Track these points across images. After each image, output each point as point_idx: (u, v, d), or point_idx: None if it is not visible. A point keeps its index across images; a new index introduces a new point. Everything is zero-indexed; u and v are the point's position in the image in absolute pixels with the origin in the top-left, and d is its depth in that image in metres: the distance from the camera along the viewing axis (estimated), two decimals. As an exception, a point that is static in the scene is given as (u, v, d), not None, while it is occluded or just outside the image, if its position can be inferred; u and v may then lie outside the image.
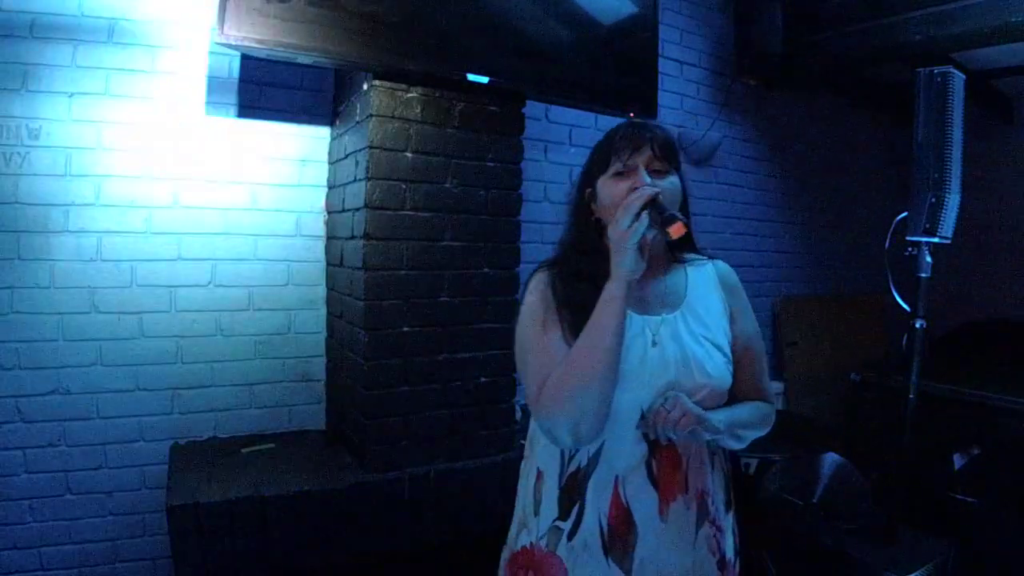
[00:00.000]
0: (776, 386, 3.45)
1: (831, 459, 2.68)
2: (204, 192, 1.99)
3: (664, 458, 1.03)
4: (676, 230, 0.95)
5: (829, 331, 3.80)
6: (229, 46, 1.59)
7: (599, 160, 1.08)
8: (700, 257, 1.17)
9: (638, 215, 0.95)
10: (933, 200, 2.07)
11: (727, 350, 1.08)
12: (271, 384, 2.11)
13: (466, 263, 1.93)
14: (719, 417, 1.02)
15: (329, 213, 2.14)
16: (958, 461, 2.78)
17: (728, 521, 1.13)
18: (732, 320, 1.12)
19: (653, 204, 0.97)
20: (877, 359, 3.91)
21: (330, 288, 2.14)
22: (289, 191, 2.11)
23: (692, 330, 1.07)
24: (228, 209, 2.02)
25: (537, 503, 1.09)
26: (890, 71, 3.58)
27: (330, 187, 2.14)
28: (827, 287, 3.94)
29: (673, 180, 1.06)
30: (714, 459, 1.10)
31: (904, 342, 2.22)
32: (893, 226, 2.22)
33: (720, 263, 1.18)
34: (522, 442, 2.07)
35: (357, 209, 1.83)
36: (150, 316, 1.93)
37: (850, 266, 4.08)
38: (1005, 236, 4.05)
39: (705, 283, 1.14)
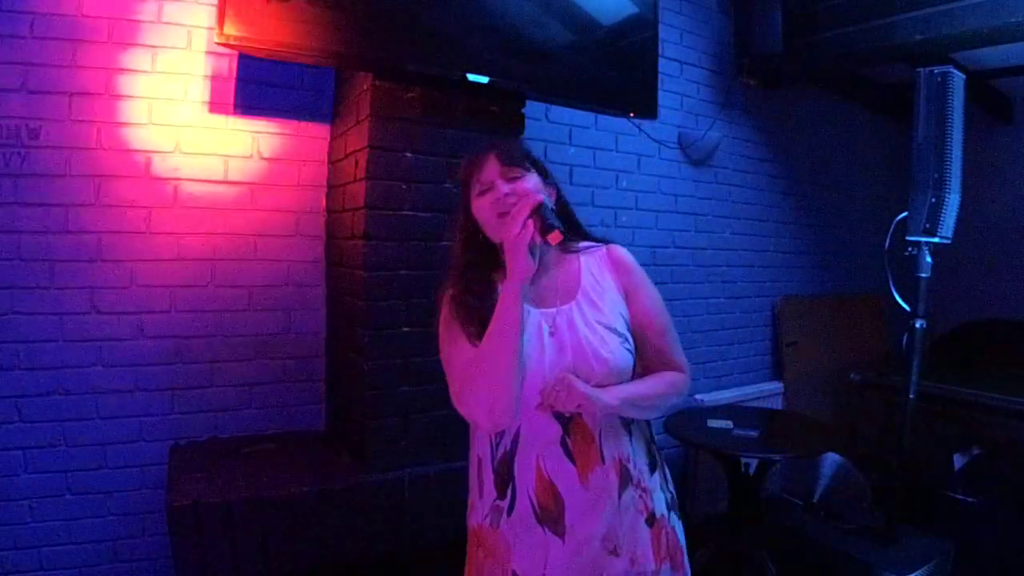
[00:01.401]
0: (776, 386, 3.47)
1: (831, 459, 2.69)
2: (204, 192, 1.98)
3: (577, 434, 1.13)
4: (553, 238, 1.06)
5: (829, 331, 3.80)
6: (229, 46, 1.59)
7: (463, 185, 1.20)
8: (595, 244, 1.26)
9: (525, 221, 1.05)
10: (933, 200, 2.07)
11: (623, 331, 1.17)
12: (271, 384, 2.11)
13: (466, 263, 1.92)
14: (612, 393, 1.10)
15: (329, 213, 2.14)
16: (958, 461, 2.79)
17: (655, 481, 1.22)
18: (628, 300, 1.21)
19: (537, 210, 1.06)
20: (877, 359, 3.91)
21: (330, 288, 2.14)
22: (289, 191, 2.11)
23: (586, 317, 1.16)
24: (228, 209, 2.02)
25: (480, 486, 1.21)
26: (890, 71, 3.59)
27: (330, 187, 2.14)
28: (827, 287, 3.94)
29: (530, 180, 1.16)
30: (631, 427, 1.19)
31: (904, 342, 2.22)
32: (893, 226, 2.22)
33: (614, 247, 1.26)
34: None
35: (357, 209, 1.83)
36: (150, 316, 1.93)
37: (850, 266, 4.08)
38: (1005, 236, 4.05)
39: (599, 269, 1.23)
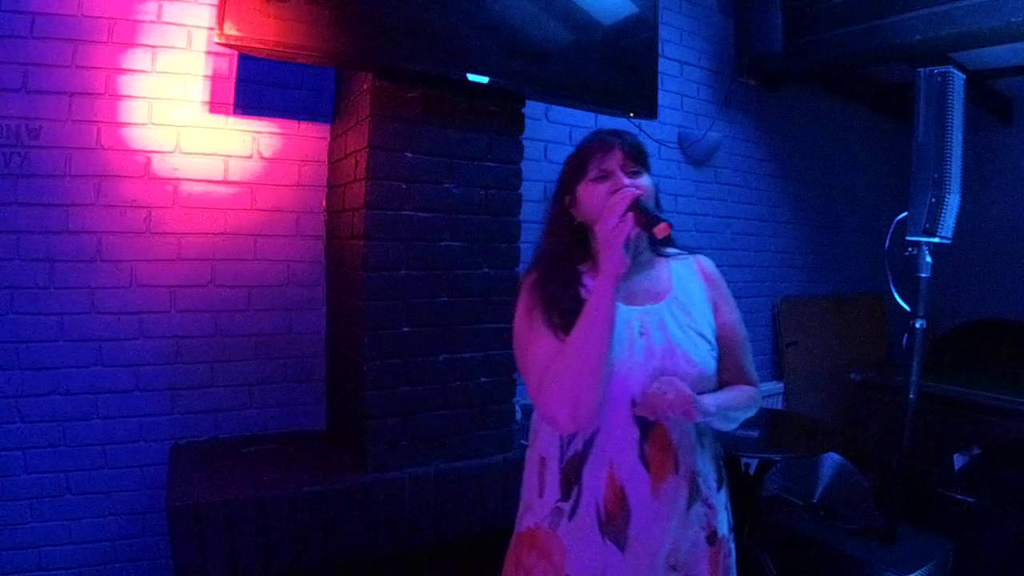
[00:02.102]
0: (776, 386, 3.47)
1: (831, 459, 2.69)
2: (204, 191, 1.98)
3: (655, 441, 1.09)
4: (661, 230, 1.01)
5: (829, 331, 3.80)
6: (229, 46, 1.59)
7: (576, 167, 1.16)
8: (682, 252, 1.26)
9: (624, 215, 1.03)
10: (933, 200, 2.07)
11: (711, 339, 1.16)
12: (271, 384, 2.11)
13: (466, 263, 1.93)
14: (708, 400, 1.07)
15: (329, 213, 2.14)
16: (958, 461, 2.79)
17: (720, 499, 1.19)
18: (715, 311, 1.21)
19: (636, 204, 1.04)
20: (877, 359, 3.91)
21: (330, 288, 2.14)
22: (289, 191, 2.11)
23: (678, 320, 1.14)
24: (228, 209, 2.02)
25: (541, 486, 1.17)
26: (890, 71, 3.59)
27: (330, 187, 2.14)
28: (827, 287, 3.94)
29: (646, 179, 1.14)
30: (703, 440, 1.16)
31: (904, 342, 2.22)
32: (893, 226, 2.22)
33: (702, 257, 1.26)
34: (523, 442, 2.08)
35: (357, 209, 1.83)
36: (150, 316, 1.93)
37: (850, 266, 4.08)
38: (1005, 236, 4.05)
39: (689, 276, 1.22)
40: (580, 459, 1.11)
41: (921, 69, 2.11)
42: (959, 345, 3.94)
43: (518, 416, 2.15)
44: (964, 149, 2.09)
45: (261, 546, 1.63)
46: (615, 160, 1.12)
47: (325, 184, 2.16)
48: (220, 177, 2.01)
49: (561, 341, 1.06)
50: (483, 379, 1.97)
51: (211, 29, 1.89)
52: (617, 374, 1.06)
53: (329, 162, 2.15)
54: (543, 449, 1.18)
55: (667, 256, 1.23)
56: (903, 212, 2.17)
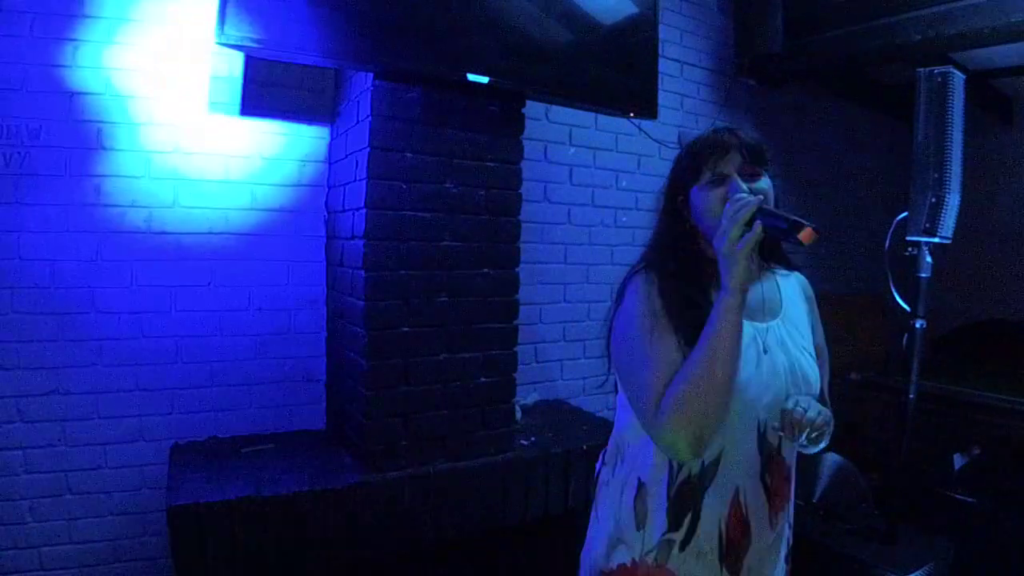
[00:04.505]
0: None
1: (831, 459, 2.68)
2: (204, 192, 1.98)
3: (775, 469, 1.04)
4: (807, 235, 0.90)
5: (829, 331, 3.79)
6: (229, 46, 1.59)
7: (689, 169, 1.07)
8: (782, 268, 1.20)
9: (749, 224, 0.93)
10: (933, 200, 2.07)
11: (816, 359, 1.12)
12: (271, 384, 2.11)
13: (466, 263, 1.93)
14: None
15: (329, 213, 2.14)
16: (958, 461, 2.78)
17: (792, 517, 1.16)
18: (812, 331, 1.16)
19: (761, 212, 0.94)
20: (877, 359, 3.91)
21: (330, 288, 2.14)
22: (289, 191, 2.11)
23: (793, 339, 1.09)
24: (228, 209, 2.02)
25: (640, 517, 1.06)
26: (890, 71, 3.59)
27: (330, 187, 2.14)
28: (827, 287, 3.93)
29: (766, 182, 1.05)
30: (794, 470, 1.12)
31: (904, 342, 2.22)
32: (893, 226, 2.22)
33: (800, 275, 1.21)
34: (523, 442, 2.08)
35: (357, 209, 1.83)
36: (150, 316, 1.93)
37: (850, 266, 4.08)
38: (1005, 236, 4.05)
39: (795, 294, 1.17)
40: (698, 484, 1.02)
41: (921, 69, 2.11)
42: (959, 345, 3.94)
43: (518, 416, 2.15)
44: (964, 149, 2.09)
45: (261, 546, 1.63)
46: (732, 163, 1.03)
47: (325, 184, 2.16)
48: (220, 177, 2.00)
49: (681, 354, 0.97)
50: (483, 379, 1.97)
51: (212, 29, 1.89)
52: (744, 395, 0.98)
53: (329, 162, 2.15)
54: (644, 473, 1.06)
55: (774, 271, 1.17)
56: (903, 212, 2.17)
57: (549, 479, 2.04)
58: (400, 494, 1.80)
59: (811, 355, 1.10)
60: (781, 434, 1.00)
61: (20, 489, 1.80)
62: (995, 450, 2.80)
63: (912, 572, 2.06)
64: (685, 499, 1.03)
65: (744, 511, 1.02)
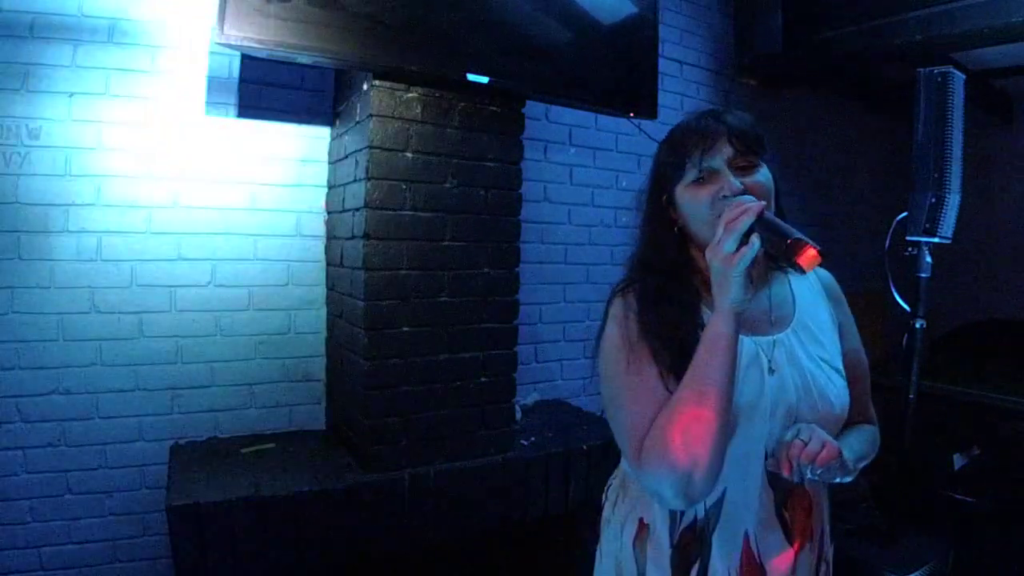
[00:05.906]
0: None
1: (831, 459, 2.67)
2: (204, 192, 1.98)
3: (797, 503, 0.91)
4: (808, 260, 0.74)
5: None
6: (229, 46, 1.59)
7: (671, 164, 0.92)
8: None
9: (746, 237, 0.78)
10: (933, 200, 2.07)
11: (842, 370, 0.95)
12: (271, 384, 2.11)
13: (466, 263, 1.93)
14: (848, 454, 0.87)
15: (329, 213, 2.14)
16: (958, 461, 2.78)
17: (831, 551, 1.02)
18: (841, 334, 1.00)
19: (761, 222, 0.79)
20: (877, 359, 3.91)
21: (330, 288, 2.14)
22: (289, 191, 2.11)
23: (808, 350, 0.93)
24: (228, 209, 2.02)
25: (641, 564, 0.95)
26: (890, 71, 3.59)
27: (330, 187, 2.14)
28: (827, 287, 3.93)
29: (763, 174, 0.90)
30: (825, 494, 0.99)
31: (904, 342, 2.22)
32: (893, 226, 2.22)
33: (820, 269, 1.03)
34: (523, 442, 2.09)
35: (357, 209, 1.83)
36: (150, 316, 1.93)
37: (850, 266, 4.08)
38: (1005, 236, 4.05)
39: (811, 293, 1.01)
40: (702, 529, 0.91)
41: (921, 69, 2.11)
42: (959, 345, 3.94)
43: (518, 416, 2.15)
44: (964, 149, 2.09)
45: (261, 546, 1.63)
46: (721, 154, 0.87)
47: (325, 184, 2.16)
48: (220, 177, 2.00)
49: (663, 384, 0.85)
50: (483, 379, 1.97)
51: (211, 29, 1.89)
52: (747, 424, 0.85)
53: (329, 162, 2.15)
54: (644, 512, 0.95)
55: (784, 270, 1.00)
56: (903, 212, 2.17)
57: (549, 479, 2.04)
58: (400, 494, 1.80)
59: (833, 367, 0.94)
60: (773, 471, 0.87)
61: (20, 489, 1.80)
62: (995, 450, 2.80)
63: (912, 572, 2.06)
64: (690, 546, 0.91)
65: (758, 558, 0.90)
